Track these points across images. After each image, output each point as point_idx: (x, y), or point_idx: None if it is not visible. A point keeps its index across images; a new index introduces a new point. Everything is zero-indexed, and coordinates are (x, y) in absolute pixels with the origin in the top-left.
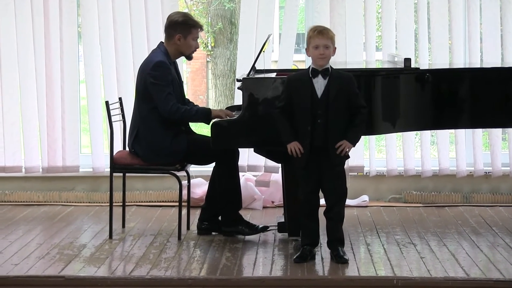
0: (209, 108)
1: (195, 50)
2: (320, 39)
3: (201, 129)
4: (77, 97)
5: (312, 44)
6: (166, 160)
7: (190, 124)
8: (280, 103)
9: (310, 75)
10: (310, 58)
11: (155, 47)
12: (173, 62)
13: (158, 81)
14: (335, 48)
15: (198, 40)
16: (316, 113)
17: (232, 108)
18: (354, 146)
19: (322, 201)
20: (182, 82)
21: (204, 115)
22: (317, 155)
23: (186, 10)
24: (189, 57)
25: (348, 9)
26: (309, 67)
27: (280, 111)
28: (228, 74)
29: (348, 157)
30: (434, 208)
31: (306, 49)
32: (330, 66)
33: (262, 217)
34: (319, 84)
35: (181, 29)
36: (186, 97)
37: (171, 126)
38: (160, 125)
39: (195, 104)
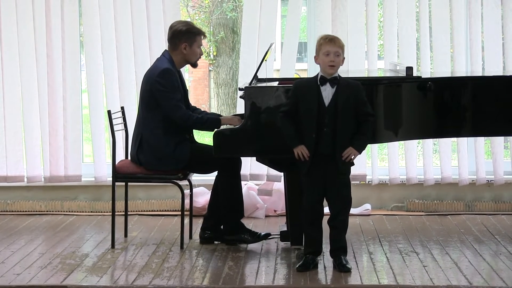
0: (219, 118)
1: (200, 57)
2: (331, 46)
3: (203, 138)
4: (79, 106)
5: (323, 50)
6: (169, 168)
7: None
8: (284, 107)
9: (318, 83)
10: (314, 67)
11: (159, 56)
12: (178, 71)
13: (165, 88)
14: (344, 58)
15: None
16: (322, 121)
17: (241, 116)
18: (360, 154)
19: (326, 210)
20: (187, 90)
21: (214, 124)
22: (323, 163)
23: (188, 19)
24: (194, 65)
25: (350, 18)
26: (318, 74)
27: (284, 115)
28: (230, 83)
29: (352, 164)
30: (436, 217)
31: (315, 57)
32: (339, 75)
33: (265, 226)
34: (327, 92)
35: (186, 37)
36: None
37: (175, 133)
38: (164, 132)
39: (202, 110)
